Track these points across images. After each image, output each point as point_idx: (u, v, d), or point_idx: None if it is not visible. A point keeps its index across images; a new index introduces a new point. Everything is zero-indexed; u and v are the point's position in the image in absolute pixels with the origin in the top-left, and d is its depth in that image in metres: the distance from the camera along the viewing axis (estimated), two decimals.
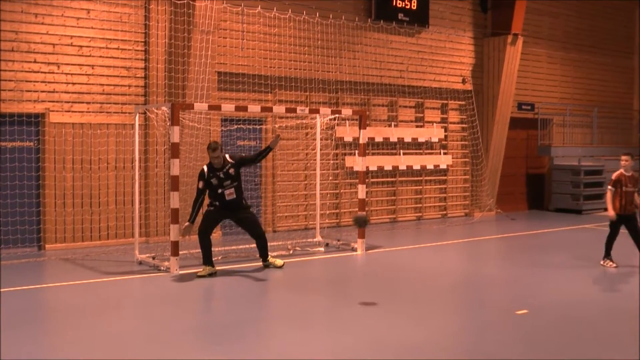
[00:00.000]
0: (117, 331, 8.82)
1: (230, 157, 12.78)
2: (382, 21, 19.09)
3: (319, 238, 15.52)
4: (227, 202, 12.60)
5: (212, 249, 12.54)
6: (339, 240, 15.52)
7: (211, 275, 12.26)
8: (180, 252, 12.68)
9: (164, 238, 14.82)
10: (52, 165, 14.48)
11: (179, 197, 12.60)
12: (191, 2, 15.32)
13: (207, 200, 12.74)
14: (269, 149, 13.16)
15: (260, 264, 13.05)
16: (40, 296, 10.91)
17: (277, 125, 17.13)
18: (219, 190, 12.51)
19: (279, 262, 13.08)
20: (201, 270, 12.33)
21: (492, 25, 21.58)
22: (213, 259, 12.52)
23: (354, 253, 14.57)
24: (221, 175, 12.51)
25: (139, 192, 14.00)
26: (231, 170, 12.59)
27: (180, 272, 12.35)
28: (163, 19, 15.53)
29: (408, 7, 19.53)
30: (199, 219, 12.61)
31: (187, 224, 12.44)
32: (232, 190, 12.59)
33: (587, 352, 8.09)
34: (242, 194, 12.84)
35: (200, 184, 12.52)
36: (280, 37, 17.26)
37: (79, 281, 11.71)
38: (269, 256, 13.11)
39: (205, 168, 12.59)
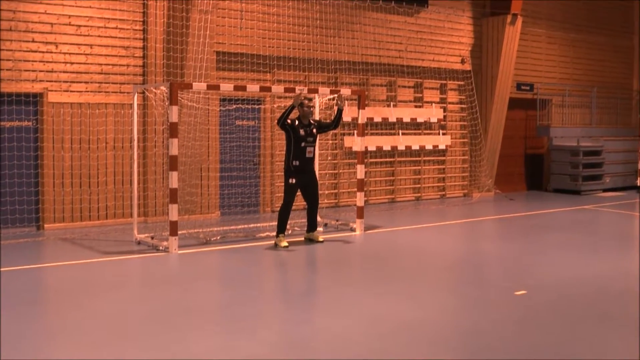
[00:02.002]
0: (116, 311, 8.84)
1: (312, 120, 13.52)
2: (381, 1, 19.02)
3: (318, 218, 15.51)
4: (305, 160, 13.24)
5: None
6: (337, 221, 15.54)
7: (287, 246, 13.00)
8: (179, 232, 12.68)
9: (163, 218, 14.82)
10: (51, 145, 14.47)
11: (178, 176, 12.59)
12: None
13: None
14: (340, 111, 13.77)
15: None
16: (39, 276, 10.94)
17: (275, 105, 17.10)
18: (302, 144, 13.13)
19: (320, 238, 13.73)
20: (280, 239, 13.09)
21: (491, 5, 21.50)
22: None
23: (353, 233, 14.60)
24: (307, 130, 13.23)
25: (137, 171, 13.99)
26: (314, 130, 13.40)
27: (179, 252, 12.37)
28: None
29: None
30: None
31: (291, 181, 13.19)
32: (312, 149, 13.36)
33: (586, 332, 8.12)
34: (315, 158, 13.78)
35: (289, 121, 13.04)
36: (279, 17, 17.19)
37: (78, 261, 11.72)
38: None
39: (296, 119, 13.21)
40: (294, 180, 13.17)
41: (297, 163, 13.14)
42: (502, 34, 21.05)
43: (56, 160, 14.55)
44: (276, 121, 13.44)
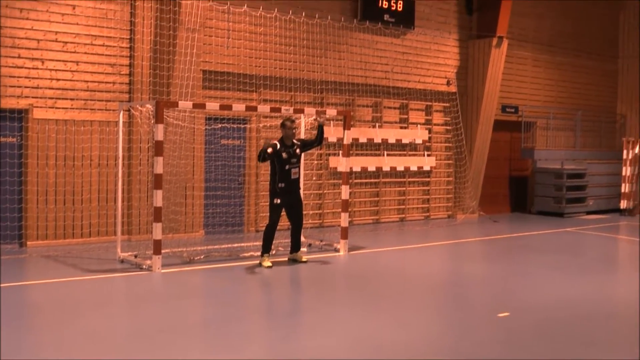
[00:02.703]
0: (98, 329, 8.78)
1: (295, 139, 13.51)
2: (367, 22, 19.10)
3: (302, 238, 15.49)
4: (290, 182, 13.23)
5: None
6: (321, 241, 15.53)
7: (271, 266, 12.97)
8: (163, 251, 12.64)
9: (147, 236, 14.77)
10: (35, 162, 14.41)
11: (162, 195, 12.56)
12: (177, 0, 15.28)
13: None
14: (321, 127, 13.76)
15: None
16: (21, 294, 10.85)
17: (261, 125, 17.11)
18: (286, 167, 13.10)
19: (304, 258, 13.74)
20: (264, 259, 13.06)
21: (477, 28, 21.64)
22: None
23: (337, 254, 14.59)
24: (291, 152, 13.18)
25: (122, 189, 13.95)
26: (297, 150, 13.37)
27: (162, 270, 12.32)
28: (149, 16, 15.48)
29: (394, 8, 19.54)
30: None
31: (276, 201, 13.16)
32: (297, 170, 13.36)
33: (568, 354, 8.12)
34: (300, 178, 13.68)
35: (270, 150, 12.92)
36: (265, 36, 17.23)
37: (61, 279, 11.66)
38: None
39: (278, 142, 13.14)
40: (278, 201, 13.16)
41: (283, 185, 13.15)
42: (488, 57, 21.16)
43: (40, 176, 14.49)
44: (257, 159, 13.50)
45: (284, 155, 13.11)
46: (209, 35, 16.30)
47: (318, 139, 13.81)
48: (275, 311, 10.33)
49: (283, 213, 13.58)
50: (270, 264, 12.95)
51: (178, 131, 15.49)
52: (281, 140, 13.22)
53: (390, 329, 9.08)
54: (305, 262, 13.49)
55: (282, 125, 13.28)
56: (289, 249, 13.79)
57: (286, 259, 13.74)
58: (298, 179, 13.54)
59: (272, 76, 17.35)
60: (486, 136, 21.74)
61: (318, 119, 13.81)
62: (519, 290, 11.53)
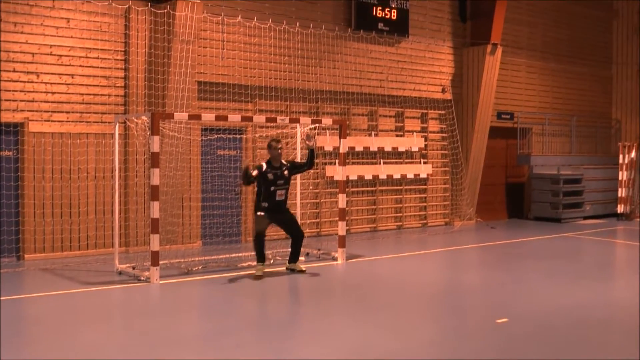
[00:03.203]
0: (97, 342, 8.78)
1: (284, 160, 13.34)
2: (362, 31, 19.14)
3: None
4: (275, 203, 13.05)
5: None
6: (319, 250, 15.53)
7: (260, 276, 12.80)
8: (161, 262, 12.64)
9: (144, 248, 14.76)
10: (32, 175, 14.41)
11: (159, 206, 12.57)
12: (171, 12, 15.31)
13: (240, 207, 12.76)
14: (311, 151, 13.54)
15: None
16: (19, 307, 10.84)
17: (257, 135, 17.13)
18: (272, 188, 12.95)
19: (302, 267, 13.63)
20: (258, 270, 12.89)
21: (472, 35, 21.69)
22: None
23: (335, 262, 14.58)
24: (278, 174, 13.01)
25: (118, 201, 13.95)
26: (285, 172, 13.18)
27: (161, 282, 12.32)
28: (143, 28, 15.51)
29: (388, 17, 19.59)
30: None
31: (259, 214, 13.03)
32: (283, 192, 13.15)
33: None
34: (287, 198, 13.40)
35: (255, 173, 12.77)
36: (260, 47, 17.27)
37: (59, 291, 11.65)
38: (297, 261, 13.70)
39: (264, 164, 13.03)
40: (262, 213, 13.06)
41: (266, 205, 13.07)
42: (483, 64, 21.22)
43: (37, 190, 14.49)
44: (242, 182, 13.28)
45: (270, 176, 12.96)
46: (204, 46, 16.33)
47: (308, 163, 13.65)
48: (274, 321, 10.32)
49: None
50: (260, 274, 12.84)
51: (174, 142, 15.50)
52: (269, 162, 13.12)
53: (388, 337, 9.08)
54: (303, 271, 13.47)
55: (268, 146, 13.22)
56: (288, 258, 13.75)
57: (280, 269, 13.71)
58: (284, 201, 13.31)
59: (267, 86, 17.38)
60: (482, 143, 21.77)
61: (307, 143, 13.60)
62: (517, 297, 11.53)
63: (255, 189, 13.35)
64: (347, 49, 19.07)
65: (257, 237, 12.98)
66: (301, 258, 14.47)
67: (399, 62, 20.23)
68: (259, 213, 13.08)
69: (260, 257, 13.00)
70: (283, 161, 13.30)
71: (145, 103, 15.52)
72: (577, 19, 25.50)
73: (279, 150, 13.22)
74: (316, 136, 14.59)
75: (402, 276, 13.55)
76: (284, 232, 14.19)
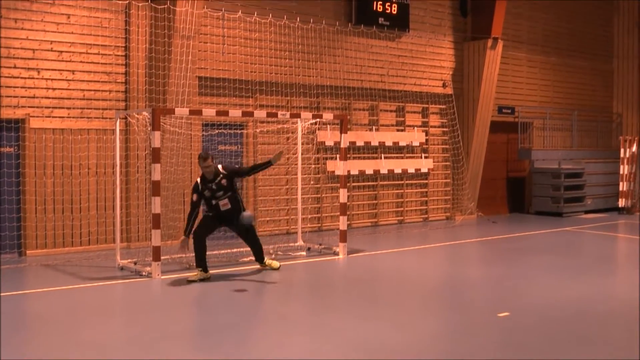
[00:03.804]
0: (99, 337, 8.79)
1: (223, 167, 12.76)
2: (362, 25, 19.14)
3: (300, 242, 15.54)
4: (222, 212, 12.67)
5: (194, 254, 12.53)
6: (320, 245, 15.54)
7: (203, 280, 12.22)
8: (162, 258, 12.66)
9: (146, 243, 14.78)
10: (33, 171, 14.43)
11: (161, 202, 12.58)
12: (172, 7, 15.31)
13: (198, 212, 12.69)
14: (268, 164, 13.15)
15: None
16: (21, 303, 10.85)
17: (258, 130, 17.14)
18: (213, 202, 12.58)
19: (275, 263, 13.22)
20: (194, 274, 12.34)
21: (472, 30, 21.69)
22: (207, 264, 12.50)
23: (336, 257, 14.60)
24: (213, 187, 12.53)
25: (120, 197, 13.96)
26: (223, 182, 12.58)
27: (162, 277, 12.33)
28: (143, 24, 15.51)
29: (388, 11, 19.58)
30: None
31: (182, 238, 12.52)
32: (226, 200, 12.63)
33: (569, 353, 8.14)
34: (239, 203, 12.83)
35: (194, 197, 12.57)
36: (261, 42, 17.27)
37: (61, 287, 11.67)
38: (265, 259, 13.25)
39: (199, 180, 12.64)
40: (210, 213, 12.71)
41: (213, 214, 12.72)
42: (483, 58, 21.21)
43: (38, 186, 14.51)
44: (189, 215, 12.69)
45: (206, 193, 12.52)
46: (204, 41, 16.33)
47: (254, 170, 13.34)
48: (275, 316, 10.32)
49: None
50: (194, 280, 12.21)
51: (175, 138, 15.51)
52: (202, 177, 12.62)
53: (390, 331, 9.09)
54: (277, 268, 13.15)
55: (198, 161, 12.67)
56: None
57: (288, 262, 13.72)
58: (232, 208, 12.68)
59: (268, 81, 17.38)
60: (483, 137, 21.77)
61: (275, 157, 12.99)
62: (519, 291, 11.54)
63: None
64: (348, 43, 19.06)
65: (196, 238, 12.49)
66: (302, 253, 14.53)
67: (400, 56, 20.23)
68: (207, 213, 12.75)
69: (200, 263, 12.41)
70: (220, 169, 12.64)
71: (146, 99, 15.52)
72: (577, 13, 25.48)
73: (208, 168, 12.45)
74: (282, 158, 14.16)
75: (403, 271, 13.56)
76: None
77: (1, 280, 12.07)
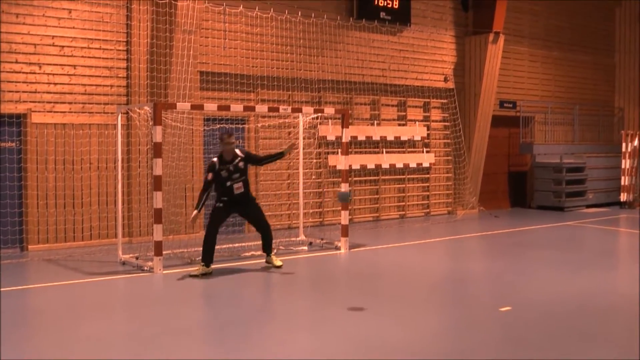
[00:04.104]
0: (101, 332, 8.80)
1: (240, 151, 12.78)
2: (364, 20, 19.12)
3: (302, 237, 15.54)
4: (235, 196, 12.54)
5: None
6: (322, 239, 15.54)
7: (205, 275, 12.18)
8: (164, 252, 12.67)
9: (147, 238, 14.79)
10: (35, 166, 14.43)
11: (162, 197, 12.58)
12: (173, 2, 15.30)
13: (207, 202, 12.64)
14: (281, 155, 13.15)
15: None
16: (23, 298, 10.87)
17: (259, 125, 17.14)
18: (228, 183, 12.45)
19: (278, 262, 12.97)
20: (196, 269, 12.30)
21: (474, 24, 21.66)
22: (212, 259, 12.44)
23: (338, 252, 14.60)
24: (231, 168, 12.46)
25: (121, 192, 13.98)
26: (240, 164, 12.55)
27: (164, 272, 12.34)
28: (145, 18, 15.50)
29: (390, 5, 19.57)
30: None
31: (195, 212, 12.38)
32: (241, 184, 12.56)
33: (570, 348, 8.14)
34: (249, 188, 12.80)
35: (210, 176, 12.40)
36: (262, 37, 17.26)
37: (63, 282, 11.68)
38: (272, 253, 13.09)
39: (216, 160, 12.52)
40: (221, 204, 12.57)
41: (226, 199, 12.56)
42: (485, 52, 21.19)
43: (40, 181, 14.51)
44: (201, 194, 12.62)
45: (223, 173, 12.41)
46: (206, 36, 16.32)
47: (267, 160, 13.30)
48: (277, 311, 10.33)
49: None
50: (197, 274, 12.15)
51: (176, 132, 15.51)
52: (220, 156, 12.55)
53: (391, 326, 9.10)
54: (280, 266, 12.91)
55: (220, 139, 12.64)
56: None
57: (290, 257, 13.73)
58: (244, 192, 12.64)
59: (269, 76, 17.38)
60: (484, 132, 21.76)
61: (287, 149, 13.13)
62: (520, 285, 11.54)
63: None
64: (349, 38, 19.05)
65: (208, 232, 12.47)
66: (304, 247, 14.52)
67: (401, 51, 20.22)
68: (218, 204, 12.60)
69: (206, 258, 12.34)
70: (238, 152, 12.65)
71: (148, 93, 15.51)
72: (579, 7, 25.44)
73: (232, 145, 12.54)
74: (293, 151, 14.05)
75: (405, 265, 13.56)
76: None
77: (1, 275, 12.07)
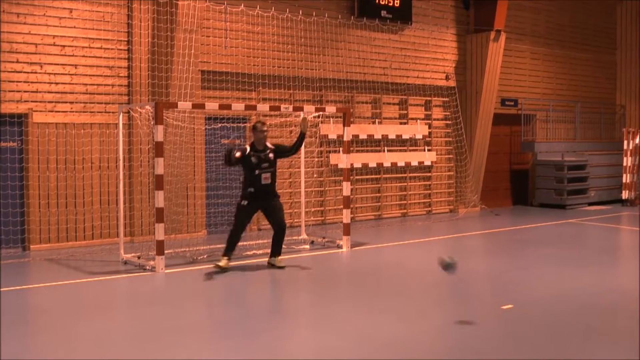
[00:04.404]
0: (103, 331, 8.80)
1: (270, 143, 12.93)
2: (365, 18, 19.11)
3: (304, 236, 15.55)
4: (261, 187, 12.59)
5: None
6: (324, 238, 15.55)
7: (224, 270, 12.34)
8: (166, 251, 12.67)
9: (149, 237, 14.80)
10: (36, 166, 14.43)
11: (164, 196, 12.58)
12: (174, 1, 15.30)
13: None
14: (302, 136, 13.17)
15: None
16: (25, 297, 10.87)
17: None
18: (256, 171, 12.52)
19: (282, 264, 12.94)
20: (223, 261, 12.43)
21: (475, 22, 21.65)
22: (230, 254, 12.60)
23: (340, 250, 14.60)
24: (261, 156, 12.59)
25: (123, 191, 13.97)
26: (270, 155, 12.71)
27: (166, 271, 12.34)
28: (146, 17, 15.50)
29: (391, 4, 19.56)
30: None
31: (238, 155, 12.33)
32: (269, 175, 12.65)
33: (573, 346, 8.14)
34: (275, 182, 12.88)
35: (238, 154, 12.31)
36: (263, 36, 17.25)
37: (64, 282, 11.69)
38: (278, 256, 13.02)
39: (248, 147, 12.66)
40: (245, 202, 12.65)
41: (252, 190, 12.62)
42: (486, 50, 21.17)
43: (41, 180, 14.51)
44: (224, 162, 12.77)
45: (253, 159, 12.52)
46: (207, 35, 16.32)
47: (295, 147, 13.24)
48: (279, 309, 10.34)
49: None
50: (222, 265, 12.37)
51: (178, 132, 15.51)
52: (252, 145, 12.74)
53: (394, 324, 9.09)
54: (282, 267, 12.85)
55: (253, 128, 12.82)
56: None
57: (291, 256, 13.73)
58: (271, 185, 12.78)
59: (270, 75, 17.38)
60: (486, 130, 21.75)
61: (302, 126, 13.16)
62: (522, 283, 11.54)
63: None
64: (350, 36, 19.04)
65: (235, 230, 12.64)
66: (306, 246, 14.52)
67: (403, 49, 20.20)
68: (243, 202, 12.67)
69: (227, 251, 12.54)
70: (268, 144, 12.84)
71: (149, 93, 15.51)
72: (580, 4, 25.41)
73: (265, 133, 12.76)
74: (308, 123, 14.11)
75: (407, 263, 13.56)
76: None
77: (4, 275, 12.08)
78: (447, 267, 9.68)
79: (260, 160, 12.57)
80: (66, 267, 12.88)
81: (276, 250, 12.98)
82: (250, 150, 12.59)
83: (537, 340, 8.29)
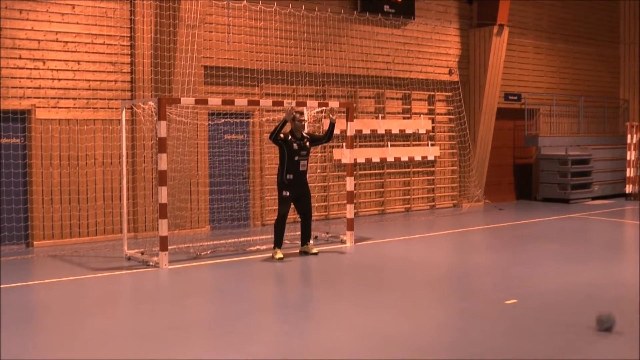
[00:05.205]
0: (107, 327, 8.80)
1: (306, 132, 13.70)
2: (368, 13, 19.08)
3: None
4: (299, 174, 13.28)
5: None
6: (327, 233, 15.54)
7: (280, 258, 12.98)
8: (169, 247, 12.67)
9: (153, 233, 14.79)
10: (39, 162, 14.43)
11: (167, 191, 12.58)
12: None
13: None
14: (332, 125, 13.83)
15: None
16: (29, 293, 10.88)
17: (264, 119, 17.12)
18: (296, 157, 13.14)
19: (314, 250, 13.68)
20: (277, 252, 13.06)
21: (478, 16, 21.61)
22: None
23: (343, 245, 14.59)
24: (301, 144, 13.23)
25: (126, 187, 13.97)
26: (307, 143, 13.42)
27: (169, 267, 12.34)
28: (148, 13, 15.48)
29: None
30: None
31: (285, 194, 13.22)
32: (305, 162, 13.37)
33: (576, 341, 8.12)
34: (308, 170, 13.66)
35: (282, 135, 13.06)
36: (266, 31, 17.23)
37: (68, 278, 11.68)
38: (310, 242, 13.79)
39: (289, 134, 13.22)
40: (287, 193, 13.18)
41: (291, 177, 13.17)
42: (489, 45, 21.13)
43: (45, 177, 14.52)
44: (268, 136, 13.35)
45: (295, 146, 13.15)
46: (209, 31, 16.30)
47: (328, 135, 13.93)
48: (283, 305, 10.33)
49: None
50: (281, 256, 12.97)
51: (181, 127, 15.50)
52: (291, 133, 13.24)
53: (397, 319, 9.08)
54: (316, 253, 13.50)
55: (292, 118, 13.25)
56: (300, 241, 13.85)
57: (295, 251, 13.74)
58: (306, 172, 13.51)
59: (273, 70, 17.36)
60: (489, 124, 21.72)
61: (330, 115, 13.86)
62: (526, 278, 11.52)
63: (279, 162, 13.46)
64: (353, 31, 19.01)
65: (281, 220, 13.17)
66: (310, 242, 14.51)
67: (406, 44, 20.18)
68: (284, 193, 13.20)
69: (278, 242, 13.15)
70: (304, 133, 13.50)
71: (152, 88, 15.51)
72: None
73: (303, 122, 13.54)
74: (336, 114, 14.57)
75: (410, 258, 13.55)
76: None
77: (5, 270, 12.08)
78: (604, 324, 8.70)
79: (300, 147, 13.23)
80: (70, 263, 12.88)
81: (306, 238, 13.68)
82: (292, 136, 13.19)
83: (541, 335, 8.28)
